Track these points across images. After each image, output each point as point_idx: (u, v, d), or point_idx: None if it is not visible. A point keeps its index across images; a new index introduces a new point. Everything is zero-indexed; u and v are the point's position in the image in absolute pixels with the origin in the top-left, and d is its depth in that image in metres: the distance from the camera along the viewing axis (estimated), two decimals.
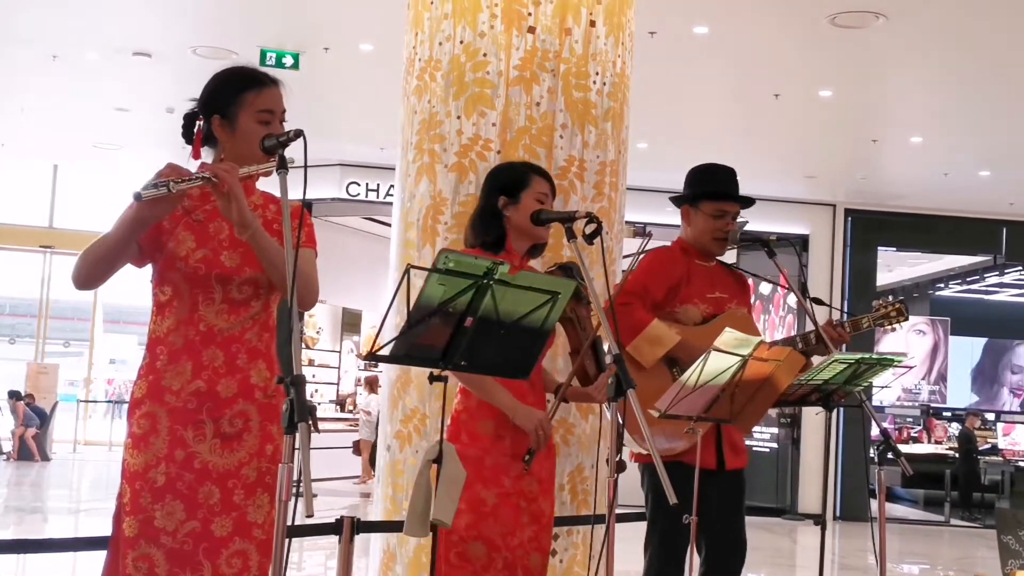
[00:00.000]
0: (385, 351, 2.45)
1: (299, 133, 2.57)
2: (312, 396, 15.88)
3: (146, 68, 10.06)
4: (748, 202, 4.37)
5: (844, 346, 4.17)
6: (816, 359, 4.16)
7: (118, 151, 14.18)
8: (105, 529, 2.90)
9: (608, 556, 2.71)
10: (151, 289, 2.88)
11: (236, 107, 2.86)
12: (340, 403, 17.09)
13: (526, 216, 3.50)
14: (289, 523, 2.16)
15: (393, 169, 5.47)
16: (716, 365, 3.35)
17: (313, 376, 16.25)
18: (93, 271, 2.73)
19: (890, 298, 4.51)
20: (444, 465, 2.92)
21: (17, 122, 13.04)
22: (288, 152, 2.66)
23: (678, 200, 4.42)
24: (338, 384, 17.21)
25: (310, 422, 2.09)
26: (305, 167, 2.31)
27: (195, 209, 2.85)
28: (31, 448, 16.55)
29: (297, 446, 2.13)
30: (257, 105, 2.86)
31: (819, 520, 4.14)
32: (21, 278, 20.77)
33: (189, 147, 3.01)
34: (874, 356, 3.86)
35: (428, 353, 2.63)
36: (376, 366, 17.41)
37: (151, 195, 2.49)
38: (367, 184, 13.69)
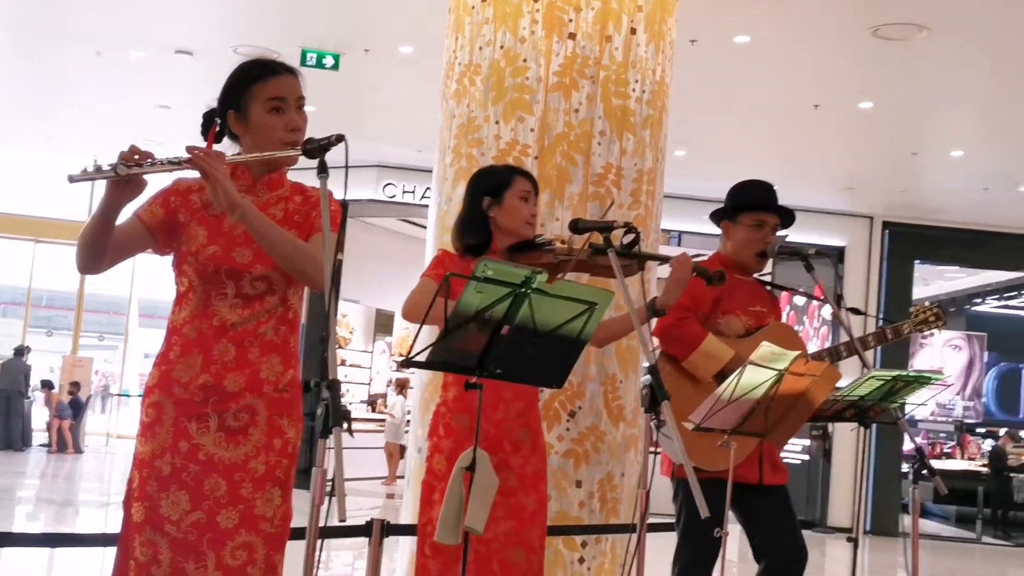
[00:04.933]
0: (421, 357, 2.45)
1: (340, 137, 2.55)
2: (343, 396, 15.91)
3: (188, 66, 10.13)
4: (788, 218, 4.37)
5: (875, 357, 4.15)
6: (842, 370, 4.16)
7: (159, 147, 14.15)
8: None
9: (639, 568, 2.70)
10: (173, 277, 2.89)
11: (247, 99, 2.86)
12: (371, 403, 17.14)
13: (509, 215, 3.56)
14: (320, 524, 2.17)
15: (430, 171, 5.49)
16: (751, 379, 3.33)
17: (345, 376, 16.30)
18: (84, 254, 2.74)
19: (927, 303, 4.50)
20: (477, 473, 2.91)
21: (61, 119, 13.18)
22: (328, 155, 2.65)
23: (717, 215, 4.41)
24: (369, 384, 17.25)
25: (344, 426, 2.09)
26: (346, 171, 2.31)
27: (212, 204, 2.82)
28: (66, 440, 16.70)
29: (330, 447, 2.14)
30: (265, 94, 2.85)
31: (851, 537, 4.11)
32: (58, 271, 20.95)
33: (225, 145, 3.01)
34: (911, 373, 3.83)
35: (464, 360, 2.62)
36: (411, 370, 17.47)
37: (84, 178, 2.49)
38: (403, 186, 13.72)
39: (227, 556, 2.70)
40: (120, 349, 22.68)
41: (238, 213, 2.62)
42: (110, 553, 2.88)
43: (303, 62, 9.01)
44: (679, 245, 14.50)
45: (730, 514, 3.83)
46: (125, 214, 2.76)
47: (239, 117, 2.88)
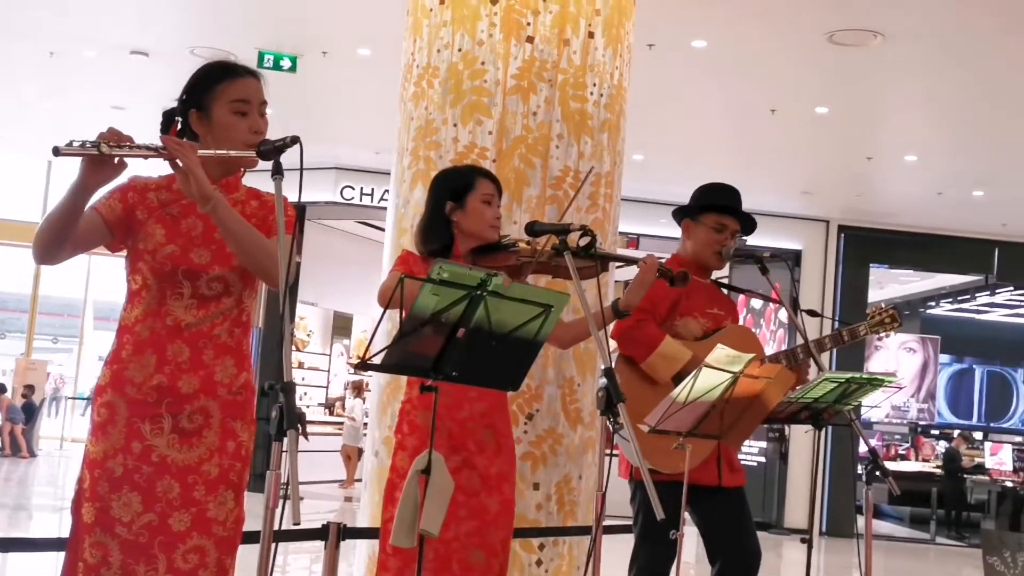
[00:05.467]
0: (377, 360, 2.44)
1: (295, 139, 2.54)
2: (301, 399, 15.86)
3: (143, 67, 10.05)
4: (749, 225, 4.40)
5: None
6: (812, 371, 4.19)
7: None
8: None
9: (595, 569, 2.71)
10: (125, 275, 2.86)
11: (210, 99, 2.84)
12: (329, 407, 17.07)
13: (473, 219, 3.54)
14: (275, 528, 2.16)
15: (388, 174, 5.47)
16: (707, 381, 3.35)
17: (303, 379, 16.22)
18: (45, 240, 2.68)
19: (883, 304, 4.53)
20: (432, 476, 2.91)
21: (12, 118, 13.03)
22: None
23: (679, 214, 4.44)
24: (327, 388, 17.19)
25: (299, 429, 2.08)
26: (301, 172, 2.30)
27: (171, 203, 2.82)
28: (19, 443, 16.51)
29: (285, 450, 2.12)
30: (230, 95, 2.83)
31: (805, 538, 4.14)
32: (12, 274, 20.74)
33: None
34: (864, 376, 3.87)
35: (420, 363, 2.62)
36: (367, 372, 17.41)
37: (71, 151, 2.46)
38: (361, 188, 13.68)
39: (178, 559, 2.69)
40: (75, 352, 22.45)
41: (210, 204, 2.60)
42: (62, 557, 2.84)
43: (260, 64, 8.96)
44: (637, 248, 14.57)
45: (686, 516, 3.84)
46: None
47: (202, 117, 2.86)
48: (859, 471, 14.72)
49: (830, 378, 3.80)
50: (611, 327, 3.89)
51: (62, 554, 2.84)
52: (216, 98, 2.84)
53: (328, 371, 17.18)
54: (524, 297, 2.59)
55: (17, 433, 16.57)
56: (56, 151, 2.45)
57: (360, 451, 15.19)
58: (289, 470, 2.00)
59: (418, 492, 2.95)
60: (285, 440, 2.05)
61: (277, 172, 2.55)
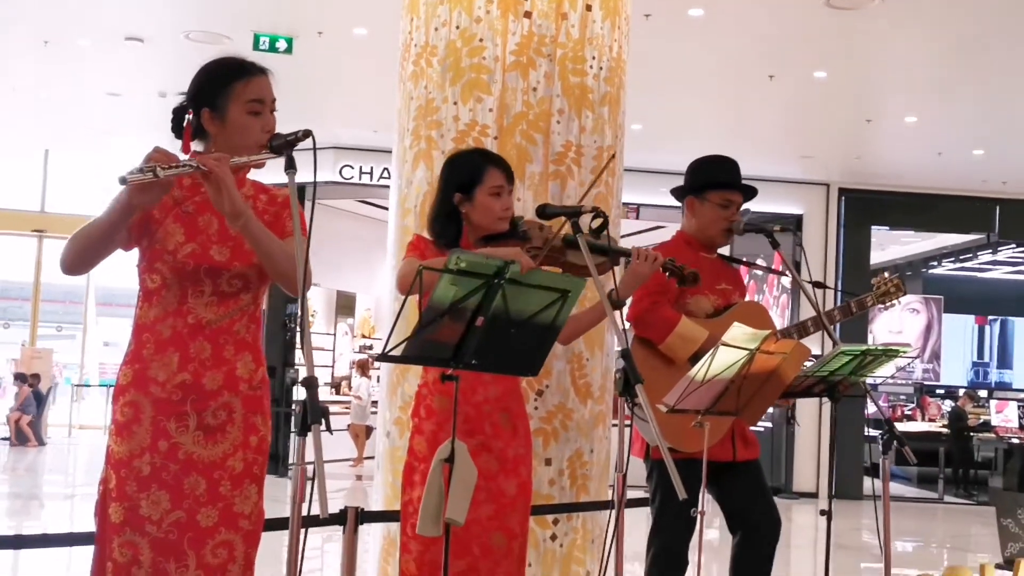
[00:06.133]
0: (397, 351, 2.45)
1: (308, 133, 2.54)
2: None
3: (138, 53, 10.01)
4: (751, 192, 4.39)
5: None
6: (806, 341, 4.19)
7: (110, 136, 14.13)
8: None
9: (618, 550, 2.72)
10: (138, 273, 2.85)
11: (225, 99, 2.82)
12: (335, 386, 17.09)
13: (481, 213, 3.49)
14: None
15: (387, 152, 5.46)
16: (725, 359, 3.35)
17: None
18: (82, 256, 2.69)
19: (887, 275, 4.52)
20: (456, 465, 2.91)
21: (8, 107, 12.99)
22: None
23: (681, 192, 4.41)
24: (333, 367, 17.20)
25: (323, 424, 2.09)
26: (315, 167, 2.30)
27: (185, 200, 2.81)
28: (26, 433, 16.55)
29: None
30: (246, 95, 2.82)
31: (824, 511, 4.16)
32: (13, 262, 20.72)
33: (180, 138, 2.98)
34: (880, 347, 3.86)
35: (439, 352, 2.62)
36: (372, 350, 17.43)
37: (136, 179, 2.45)
38: (360, 167, 13.65)
39: (208, 555, 2.71)
40: (79, 339, 22.45)
41: (241, 221, 2.61)
42: (77, 549, 2.86)
43: (256, 46, 8.94)
44: (637, 218, 14.55)
45: (706, 493, 3.85)
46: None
47: (215, 116, 2.84)
48: (868, 433, 14.78)
49: (846, 351, 3.79)
50: (626, 311, 3.88)
51: (73, 548, 2.86)
52: (231, 99, 2.82)
53: (333, 350, 17.18)
54: (541, 283, 2.59)
55: (23, 424, 16.60)
56: (123, 180, 2.45)
57: (368, 429, 15.23)
58: (315, 464, 2.00)
59: (442, 481, 2.96)
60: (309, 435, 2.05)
61: (290, 167, 2.55)
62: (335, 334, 17.22)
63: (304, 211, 2.60)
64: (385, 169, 13.30)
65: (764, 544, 4.20)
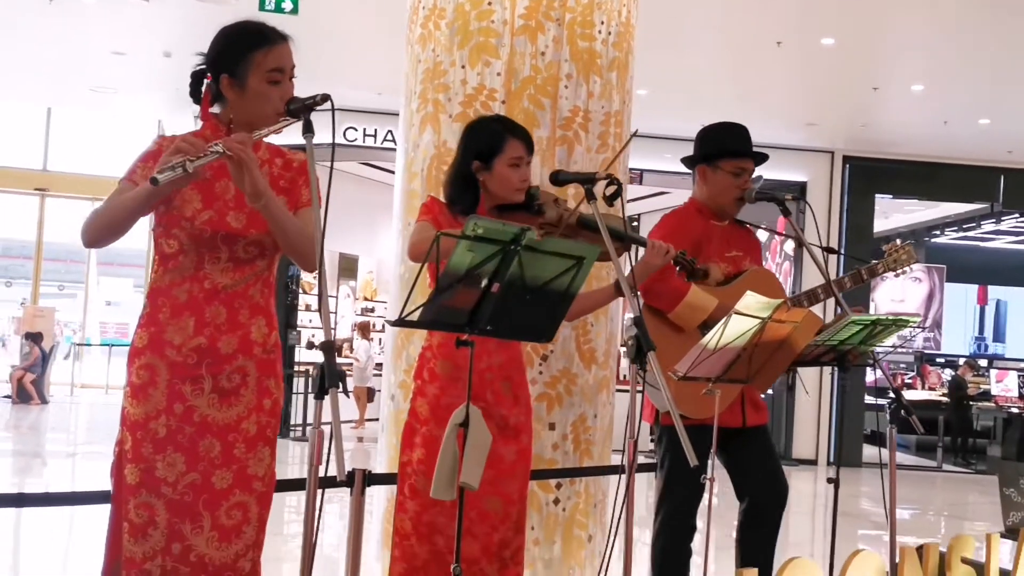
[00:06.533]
0: (413, 316, 2.46)
1: (326, 97, 2.55)
2: (310, 339, 15.92)
3: (144, 12, 9.97)
4: (763, 158, 4.37)
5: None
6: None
7: (114, 95, 14.10)
8: (101, 474, 2.92)
9: (628, 516, 2.74)
10: (153, 237, 2.86)
11: (245, 67, 2.81)
12: (337, 348, 17.10)
13: (498, 182, 3.48)
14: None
15: (391, 115, 5.46)
16: (737, 328, 3.36)
17: (310, 321, 16.27)
18: (105, 233, 2.70)
19: (898, 242, 4.51)
20: (470, 430, 2.93)
21: (12, 65, 12.95)
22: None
23: (691, 161, 4.39)
24: (335, 329, 17.24)
25: (340, 387, 2.10)
26: (333, 132, 2.30)
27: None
28: (29, 391, 16.61)
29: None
30: (267, 64, 2.81)
31: (832, 478, 4.18)
32: (15, 221, 20.73)
33: (185, 92, 2.98)
34: (889, 317, 3.87)
35: (454, 318, 2.64)
36: (374, 312, 17.45)
37: (168, 178, 2.45)
38: (364, 129, 13.62)
39: (222, 516, 2.74)
40: (79, 298, 22.48)
41: (262, 201, 2.63)
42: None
43: (262, 7, 8.89)
44: (640, 183, 14.53)
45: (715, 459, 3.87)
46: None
47: (234, 84, 2.84)
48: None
49: (856, 321, 3.80)
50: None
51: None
52: (251, 67, 2.81)
53: (335, 312, 17.22)
54: (557, 250, 2.59)
55: (26, 382, 16.66)
56: (155, 181, 2.44)
57: (369, 391, 15.29)
58: (332, 428, 2.02)
59: (456, 446, 2.98)
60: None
61: (308, 130, 2.55)
62: (337, 296, 17.24)
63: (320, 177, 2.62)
64: (389, 132, 13.27)
65: (771, 511, 4.23)
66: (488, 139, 3.53)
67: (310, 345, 15.67)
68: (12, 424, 14.50)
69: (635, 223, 16.10)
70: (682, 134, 12.81)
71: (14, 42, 11.76)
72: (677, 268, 3.72)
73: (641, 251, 3.61)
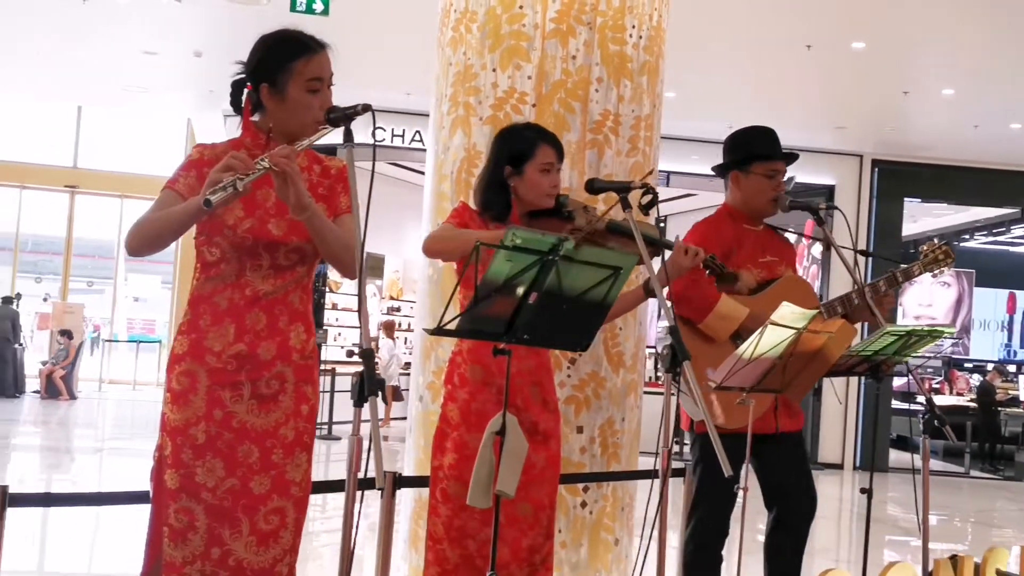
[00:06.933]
0: (451, 326, 2.47)
1: (367, 107, 2.56)
2: (335, 340, 15.98)
3: (176, 12, 10.03)
4: (793, 157, 4.35)
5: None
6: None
7: (144, 94, 14.19)
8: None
9: (662, 524, 2.74)
10: (196, 244, 2.89)
11: (285, 76, 2.83)
12: None
13: (528, 187, 3.51)
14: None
15: (419, 115, 5.48)
16: (772, 338, 3.36)
17: (336, 320, 16.33)
18: (150, 243, 2.71)
19: (935, 241, 4.45)
20: (507, 438, 2.94)
21: (44, 64, 13.06)
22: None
23: (722, 168, 4.37)
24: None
25: (379, 395, 2.12)
26: (374, 143, 2.32)
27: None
28: (58, 386, 16.73)
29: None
30: (307, 74, 2.84)
31: (865, 488, 4.16)
32: (46, 217, 20.90)
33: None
34: (925, 328, 3.83)
35: (492, 327, 2.65)
36: (399, 311, 17.49)
37: (221, 199, 2.47)
38: (392, 129, 13.65)
39: (260, 521, 2.76)
40: (107, 294, 22.63)
41: (307, 214, 2.65)
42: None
43: (293, 7, 8.93)
44: (667, 186, 14.51)
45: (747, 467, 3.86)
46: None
47: (274, 93, 2.86)
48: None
49: (891, 331, 3.77)
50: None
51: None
52: (291, 76, 2.83)
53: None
54: (594, 260, 2.60)
55: (55, 377, 16.79)
56: (208, 204, 2.46)
57: (393, 389, 15.34)
58: (371, 435, 2.03)
59: (493, 454, 2.99)
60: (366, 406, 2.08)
61: (348, 140, 2.56)
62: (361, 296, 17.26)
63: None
64: (417, 132, 13.30)
65: (800, 522, 4.21)
66: (520, 145, 3.56)
67: (349, 352, 15.70)
68: (41, 419, 14.61)
69: (662, 225, 16.05)
70: (709, 136, 12.81)
71: (47, 41, 11.85)
72: (707, 272, 3.71)
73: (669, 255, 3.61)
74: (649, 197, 3.18)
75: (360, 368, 2.19)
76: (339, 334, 16.36)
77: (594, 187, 3.44)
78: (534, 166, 3.51)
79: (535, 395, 3.47)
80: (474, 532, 3.29)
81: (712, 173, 4.59)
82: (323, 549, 7.33)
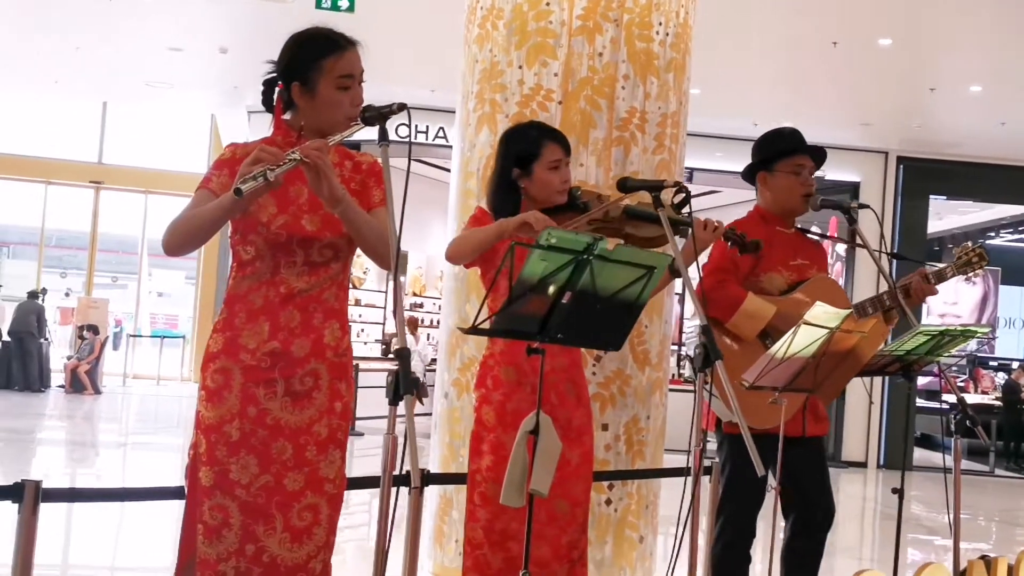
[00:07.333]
0: (485, 325, 2.48)
1: (403, 106, 2.57)
2: (358, 336, 16.01)
3: (202, 8, 10.07)
4: (820, 156, 4.31)
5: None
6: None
7: (169, 90, 14.25)
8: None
9: (693, 523, 2.74)
10: (231, 244, 2.89)
11: (316, 74, 2.84)
12: (386, 343, 17.22)
13: (539, 187, 3.49)
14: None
15: (443, 112, 5.49)
16: (805, 337, 3.34)
17: (360, 316, 16.37)
18: (188, 241, 2.73)
19: (969, 243, 4.38)
20: (541, 437, 2.94)
21: (70, 60, 13.13)
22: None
23: (751, 171, 4.33)
24: (383, 324, 17.33)
25: (415, 394, 2.12)
26: (410, 141, 2.32)
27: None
28: (83, 381, 16.83)
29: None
30: (337, 71, 2.84)
31: (896, 489, 4.14)
32: (71, 212, 21.01)
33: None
34: (958, 328, 3.80)
35: (526, 326, 2.65)
36: (422, 307, 17.52)
37: (251, 188, 2.48)
38: (416, 126, 13.66)
39: (294, 518, 2.77)
40: (131, 289, 22.74)
41: (341, 207, 2.66)
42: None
43: (318, 5, 8.95)
44: (691, 182, 14.48)
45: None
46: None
47: (304, 91, 2.87)
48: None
49: (923, 331, 3.75)
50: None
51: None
52: (322, 74, 2.84)
53: (384, 308, 17.30)
54: (628, 260, 2.60)
55: (80, 372, 16.89)
56: (239, 192, 2.48)
57: None
58: (407, 435, 2.03)
59: (527, 453, 2.99)
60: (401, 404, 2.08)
61: (383, 139, 2.57)
62: (386, 292, 17.32)
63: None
64: (441, 128, 13.32)
65: (817, 531, 4.19)
66: (525, 145, 3.53)
67: (384, 351, 15.72)
68: (66, 414, 14.70)
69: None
70: (734, 133, 12.78)
71: (73, 37, 11.92)
72: (728, 244, 3.68)
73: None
74: (682, 196, 3.17)
75: (393, 366, 2.19)
76: (361, 330, 16.40)
77: (626, 186, 3.42)
78: (542, 165, 3.49)
79: (569, 391, 3.46)
80: (515, 533, 3.28)
81: (736, 170, 4.56)
82: (345, 545, 7.35)
